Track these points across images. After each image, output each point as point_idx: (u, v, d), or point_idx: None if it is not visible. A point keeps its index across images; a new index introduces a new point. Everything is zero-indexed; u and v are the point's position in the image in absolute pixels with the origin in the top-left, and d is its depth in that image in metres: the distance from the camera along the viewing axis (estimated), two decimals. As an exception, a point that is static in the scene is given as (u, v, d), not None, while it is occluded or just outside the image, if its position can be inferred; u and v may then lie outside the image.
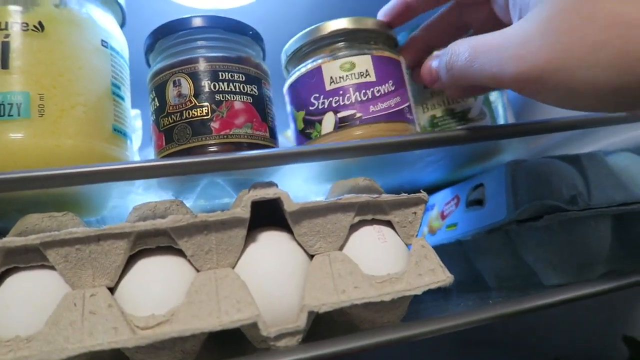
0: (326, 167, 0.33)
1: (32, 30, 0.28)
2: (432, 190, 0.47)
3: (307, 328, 0.26)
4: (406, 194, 0.29)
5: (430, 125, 0.39)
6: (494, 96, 0.51)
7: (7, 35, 0.27)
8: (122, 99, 0.32)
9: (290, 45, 0.36)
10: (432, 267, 0.28)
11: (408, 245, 0.30)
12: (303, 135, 0.35)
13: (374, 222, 0.30)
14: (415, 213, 0.30)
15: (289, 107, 0.37)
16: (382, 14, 0.36)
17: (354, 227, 0.29)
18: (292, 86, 0.36)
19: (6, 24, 0.27)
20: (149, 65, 0.35)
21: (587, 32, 0.19)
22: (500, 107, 0.53)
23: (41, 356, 0.22)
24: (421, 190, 0.30)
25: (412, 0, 0.34)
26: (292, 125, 0.36)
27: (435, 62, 0.30)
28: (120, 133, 0.31)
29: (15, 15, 0.27)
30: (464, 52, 0.25)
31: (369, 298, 0.26)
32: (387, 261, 0.28)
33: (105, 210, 0.33)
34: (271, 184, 0.29)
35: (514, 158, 0.37)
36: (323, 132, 0.33)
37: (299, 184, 0.37)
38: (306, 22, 0.53)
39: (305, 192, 0.40)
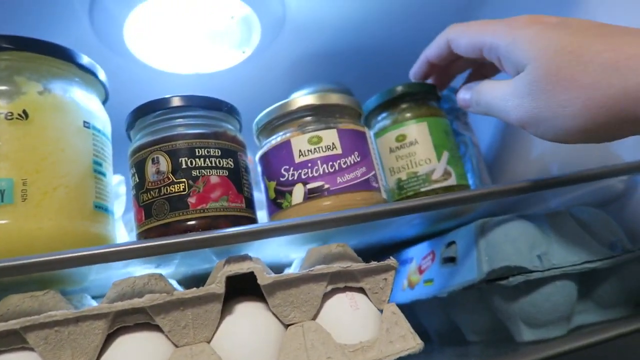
0: (299, 235, 0.35)
1: (17, 118, 0.29)
2: (411, 242, 0.49)
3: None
4: (376, 262, 0.31)
5: (397, 188, 0.40)
6: (463, 151, 0.54)
7: None
8: (104, 175, 0.34)
9: (261, 118, 0.38)
10: (403, 333, 0.29)
11: (380, 310, 0.31)
12: (274, 204, 0.36)
13: (346, 289, 0.31)
14: (385, 279, 0.31)
15: (260, 176, 0.38)
16: (412, 76, 0.43)
17: (327, 295, 0.30)
18: (264, 157, 0.38)
19: None
20: (130, 140, 0.37)
21: (556, 93, 0.27)
22: (473, 159, 0.55)
23: None
24: (391, 257, 0.31)
25: (432, 59, 0.39)
26: (264, 193, 0.38)
27: (467, 95, 0.35)
28: (101, 209, 0.32)
29: (6, 106, 0.29)
30: (482, 97, 0.33)
31: (341, 368, 0.27)
32: (359, 328, 0.29)
33: (86, 282, 0.34)
34: (245, 258, 0.30)
35: (484, 213, 0.39)
36: (293, 203, 0.35)
37: (275, 249, 0.38)
38: (284, 84, 0.56)
39: (282, 255, 0.41)
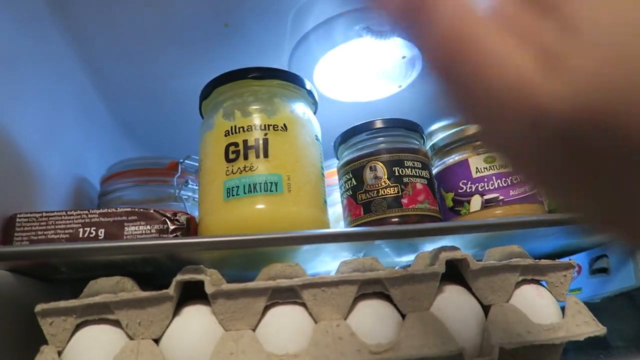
0: (474, 236, 0.42)
1: (281, 130, 0.39)
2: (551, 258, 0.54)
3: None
4: (559, 260, 0.37)
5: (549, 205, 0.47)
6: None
7: (266, 134, 0.38)
8: (324, 177, 0.43)
9: (439, 140, 0.46)
10: (586, 319, 0.35)
11: (559, 302, 0.37)
12: (452, 212, 0.44)
13: (532, 281, 0.37)
14: (565, 275, 0.37)
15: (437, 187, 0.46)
16: None
17: (517, 285, 0.37)
18: (442, 172, 0.45)
19: (265, 126, 0.38)
20: (336, 155, 0.46)
21: None
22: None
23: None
24: (570, 258, 0.38)
25: None
26: (439, 202, 0.45)
27: None
28: (326, 203, 0.41)
29: (270, 120, 0.39)
30: None
31: (540, 341, 0.33)
32: (547, 313, 0.35)
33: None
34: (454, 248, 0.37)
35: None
36: (471, 210, 0.42)
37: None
38: (424, 114, 0.64)
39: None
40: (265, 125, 0.38)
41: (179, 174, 0.49)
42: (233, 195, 0.36)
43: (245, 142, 0.38)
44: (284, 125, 0.39)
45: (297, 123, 0.40)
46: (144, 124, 0.64)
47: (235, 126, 0.38)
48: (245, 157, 0.37)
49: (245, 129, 0.38)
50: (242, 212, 0.36)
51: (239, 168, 0.37)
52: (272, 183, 0.36)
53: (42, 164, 0.44)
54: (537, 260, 0.37)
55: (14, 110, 0.40)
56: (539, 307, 0.36)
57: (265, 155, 0.37)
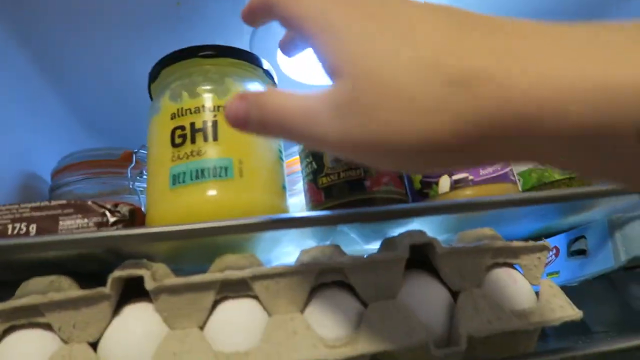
0: (444, 220, 0.39)
1: None
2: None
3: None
4: (533, 242, 0.35)
5: (523, 185, 0.45)
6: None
7: (215, 116, 0.35)
8: (283, 161, 0.40)
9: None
10: (562, 304, 0.33)
11: (533, 286, 0.35)
12: (420, 194, 0.41)
13: (504, 265, 0.35)
14: (539, 258, 0.35)
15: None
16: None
17: (488, 269, 0.34)
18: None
19: (215, 107, 0.35)
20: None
21: None
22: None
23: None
24: (544, 239, 0.35)
25: None
26: (406, 185, 0.43)
27: (242, 106, 0.23)
28: (285, 189, 0.38)
29: (220, 101, 0.36)
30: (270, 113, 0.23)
31: (512, 327, 0.30)
32: (520, 298, 0.33)
33: (258, 251, 0.39)
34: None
35: (608, 210, 0.42)
36: (440, 192, 0.40)
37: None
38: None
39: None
40: (215, 107, 0.36)
41: (133, 164, 0.46)
42: (179, 183, 0.33)
43: (192, 125, 0.35)
44: (234, 106, 0.36)
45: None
46: (99, 112, 0.61)
47: (182, 108, 0.35)
48: (193, 141, 0.34)
49: (192, 111, 0.35)
50: (190, 200, 0.33)
51: (185, 153, 0.34)
52: (221, 168, 0.34)
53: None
54: (509, 242, 0.34)
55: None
56: (512, 292, 0.33)
57: (215, 139, 0.34)
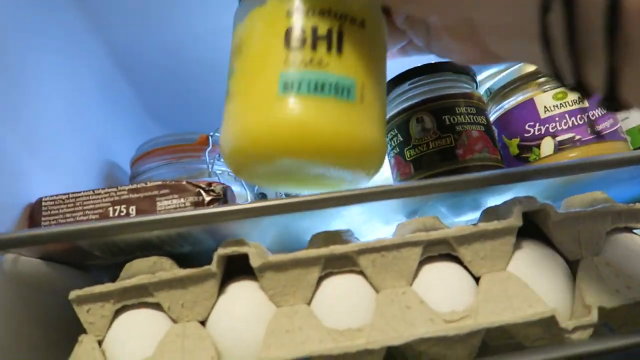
0: (547, 185, 0.36)
1: (358, 26, 0.29)
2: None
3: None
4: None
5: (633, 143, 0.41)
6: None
7: (341, 26, 0.28)
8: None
9: (494, 84, 0.41)
10: None
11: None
12: (518, 159, 0.38)
13: (624, 230, 0.32)
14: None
15: (497, 136, 0.41)
16: None
17: (608, 234, 0.31)
18: (502, 118, 0.40)
19: (341, 16, 0.29)
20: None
21: None
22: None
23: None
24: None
25: None
26: (501, 152, 0.40)
27: None
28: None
29: (346, 11, 0.29)
30: None
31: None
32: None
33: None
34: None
35: None
36: (542, 155, 0.37)
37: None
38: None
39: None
40: (341, 15, 0.29)
41: (210, 147, 0.46)
42: (293, 90, 0.26)
43: (314, 29, 0.28)
44: (363, 20, 0.29)
45: (377, 21, 0.31)
46: (169, 101, 0.61)
47: (301, 7, 0.28)
48: (314, 47, 0.28)
49: (314, 13, 0.28)
50: (305, 113, 0.26)
51: (303, 59, 0.27)
52: (344, 87, 0.27)
53: (68, 148, 0.42)
54: (631, 205, 0.31)
55: (34, 92, 0.37)
56: (635, 258, 0.30)
57: (339, 51, 0.28)
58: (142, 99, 0.60)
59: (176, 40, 0.51)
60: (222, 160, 0.46)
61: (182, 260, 0.37)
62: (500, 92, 0.41)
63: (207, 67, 0.55)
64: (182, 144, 0.47)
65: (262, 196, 0.53)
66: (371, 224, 0.39)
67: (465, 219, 0.42)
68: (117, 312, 0.29)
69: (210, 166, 0.45)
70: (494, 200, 0.38)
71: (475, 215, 0.42)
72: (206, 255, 0.32)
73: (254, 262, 0.29)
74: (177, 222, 0.28)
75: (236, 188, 0.46)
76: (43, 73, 0.39)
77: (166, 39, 0.51)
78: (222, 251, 0.29)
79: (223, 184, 0.34)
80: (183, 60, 0.54)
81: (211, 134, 0.47)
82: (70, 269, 0.35)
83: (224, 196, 0.33)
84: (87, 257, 0.33)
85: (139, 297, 0.29)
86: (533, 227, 0.33)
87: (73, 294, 0.29)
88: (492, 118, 0.41)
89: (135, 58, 0.53)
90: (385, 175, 0.48)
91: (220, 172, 0.45)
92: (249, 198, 0.46)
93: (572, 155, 0.36)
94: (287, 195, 0.46)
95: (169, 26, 0.49)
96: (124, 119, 0.56)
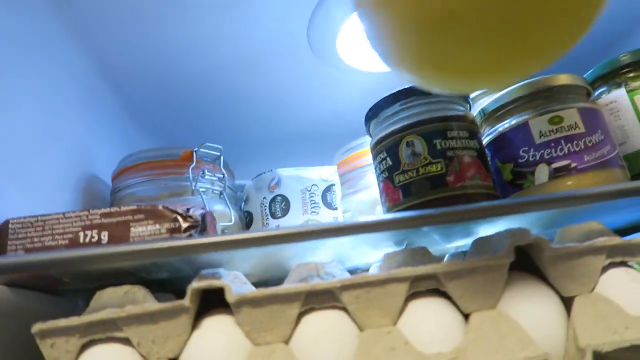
0: (542, 214, 0.35)
1: None
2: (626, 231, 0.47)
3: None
4: (654, 238, 0.30)
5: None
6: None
7: None
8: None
9: (489, 104, 0.39)
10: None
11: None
12: (512, 186, 0.37)
13: (620, 264, 0.30)
14: (661, 256, 0.30)
15: (490, 160, 0.39)
16: None
17: (604, 269, 0.30)
18: (496, 141, 0.39)
19: None
20: (368, 132, 0.39)
21: None
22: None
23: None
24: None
25: None
26: (493, 177, 0.39)
27: None
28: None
29: None
30: None
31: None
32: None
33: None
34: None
35: None
36: (537, 182, 0.35)
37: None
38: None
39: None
40: None
41: (194, 164, 0.44)
42: None
43: None
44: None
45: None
46: (155, 111, 0.59)
47: None
48: None
49: None
50: None
51: None
52: None
53: (44, 161, 0.40)
54: (627, 240, 0.30)
55: (4, 100, 0.35)
56: (633, 295, 0.29)
57: None
58: (128, 107, 0.58)
59: (163, 49, 0.50)
60: (206, 177, 0.44)
61: (160, 285, 0.35)
62: (495, 114, 0.39)
63: (195, 76, 0.54)
64: (165, 159, 0.45)
65: (248, 215, 0.52)
66: (359, 250, 0.37)
67: (456, 245, 0.41)
68: (84, 347, 0.27)
69: (193, 184, 0.43)
70: (486, 228, 0.36)
71: (467, 241, 0.40)
72: (184, 281, 0.30)
73: (230, 297, 0.27)
74: (149, 254, 0.27)
75: (219, 207, 0.45)
76: (16, 81, 0.37)
77: (153, 47, 0.49)
78: (196, 285, 0.27)
79: (203, 208, 0.32)
80: (170, 68, 0.52)
81: (195, 149, 0.45)
82: (39, 294, 0.33)
83: (202, 223, 0.31)
84: (57, 283, 0.32)
85: (107, 331, 0.27)
86: (525, 256, 0.31)
87: (36, 328, 0.27)
88: (485, 140, 0.40)
89: (120, 65, 0.51)
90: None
91: (204, 190, 0.44)
92: (232, 218, 0.44)
93: (568, 184, 0.35)
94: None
95: (156, 34, 0.48)
96: (107, 128, 0.54)
